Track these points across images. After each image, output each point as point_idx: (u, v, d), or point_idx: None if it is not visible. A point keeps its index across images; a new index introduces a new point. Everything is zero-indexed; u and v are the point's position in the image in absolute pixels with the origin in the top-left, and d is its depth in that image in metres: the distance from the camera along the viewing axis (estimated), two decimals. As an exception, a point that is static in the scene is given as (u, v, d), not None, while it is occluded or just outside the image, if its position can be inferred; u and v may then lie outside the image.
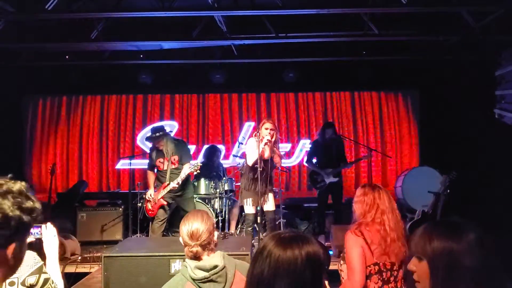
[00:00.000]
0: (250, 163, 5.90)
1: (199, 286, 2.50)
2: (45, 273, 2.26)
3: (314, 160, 7.67)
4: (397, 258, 3.02)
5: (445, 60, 8.62)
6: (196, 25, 7.12)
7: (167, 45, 7.87)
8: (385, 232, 3.01)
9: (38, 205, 1.49)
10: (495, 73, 7.33)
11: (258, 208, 5.95)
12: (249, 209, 6.05)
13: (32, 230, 2.48)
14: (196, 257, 2.59)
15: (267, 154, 5.80)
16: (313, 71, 9.30)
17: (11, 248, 1.45)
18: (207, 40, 7.45)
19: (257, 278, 1.64)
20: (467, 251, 1.56)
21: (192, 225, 2.60)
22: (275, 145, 5.86)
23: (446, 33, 7.45)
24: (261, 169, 5.63)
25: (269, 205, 6.00)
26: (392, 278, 3.02)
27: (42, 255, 2.38)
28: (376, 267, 2.99)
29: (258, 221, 5.97)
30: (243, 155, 9.10)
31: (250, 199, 5.98)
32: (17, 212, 1.42)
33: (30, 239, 2.50)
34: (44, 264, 2.34)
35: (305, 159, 7.93)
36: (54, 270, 2.42)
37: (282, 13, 6.46)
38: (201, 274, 2.50)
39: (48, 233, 2.47)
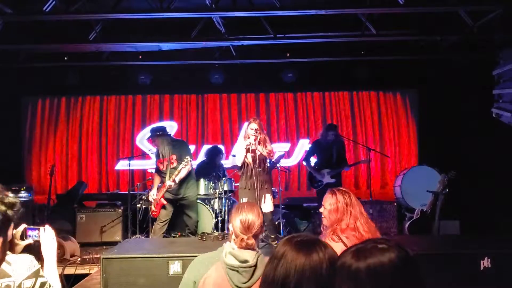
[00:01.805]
0: (238, 163, 6.06)
1: (226, 271, 2.58)
2: (42, 276, 2.25)
3: (314, 160, 7.69)
4: None
5: (443, 59, 8.64)
6: (195, 26, 7.13)
7: (165, 46, 7.89)
8: (361, 235, 3.02)
9: (17, 200, 1.52)
10: (492, 72, 7.34)
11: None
12: None
13: (30, 233, 2.49)
14: (249, 248, 2.63)
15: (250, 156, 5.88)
16: (312, 72, 9.31)
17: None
18: (206, 41, 7.48)
19: (281, 281, 1.66)
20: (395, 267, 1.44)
21: (249, 217, 2.66)
22: (260, 144, 5.86)
23: (444, 32, 7.47)
24: (251, 168, 5.79)
25: (266, 206, 5.99)
26: None
27: (40, 258, 2.38)
28: None
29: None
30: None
31: (245, 198, 6.02)
32: (2, 207, 1.44)
33: (28, 241, 2.51)
34: (42, 267, 2.35)
35: (304, 157, 7.95)
36: (52, 273, 2.41)
37: (280, 14, 6.47)
38: (232, 262, 2.57)
39: (46, 236, 2.46)
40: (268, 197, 6.00)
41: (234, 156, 8.71)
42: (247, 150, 5.83)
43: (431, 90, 9.27)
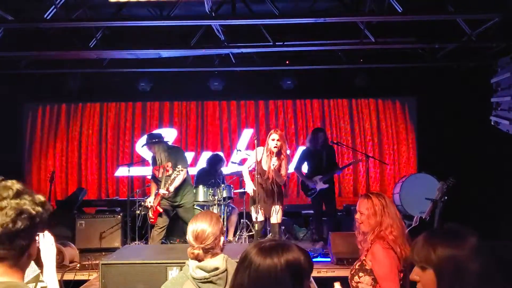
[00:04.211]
0: (244, 168, 6.18)
1: (198, 286, 2.50)
2: (42, 281, 2.28)
3: (306, 166, 7.68)
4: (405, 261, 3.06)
5: (442, 67, 8.68)
6: (195, 33, 7.17)
7: (165, 53, 7.92)
8: (400, 237, 3.04)
9: (43, 197, 1.54)
10: (491, 80, 7.37)
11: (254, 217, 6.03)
12: (257, 217, 6.01)
13: None
14: (198, 259, 2.58)
15: (271, 173, 5.85)
16: (311, 79, 9.34)
17: (35, 243, 1.51)
18: (205, 48, 7.50)
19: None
20: (470, 256, 1.62)
21: (199, 226, 2.58)
22: (280, 157, 5.83)
23: (442, 40, 7.51)
24: (262, 180, 5.83)
25: (275, 217, 5.97)
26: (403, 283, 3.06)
27: (39, 264, 2.40)
28: (402, 274, 3.01)
29: (256, 227, 5.99)
30: (242, 162, 9.17)
31: (257, 207, 5.94)
32: (38, 208, 1.47)
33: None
34: (41, 272, 2.37)
35: (294, 166, 7.91)
36: (51, 279, 2.43)
37: (279, 22, 6.50)
38: (201, 274, 2.50)
39: (46, 242, 2.48)
40: (278, 209, 5.97)
41: (233, 163, 8.77)
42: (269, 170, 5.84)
43: (430, 98, 9.30)
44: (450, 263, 1.63)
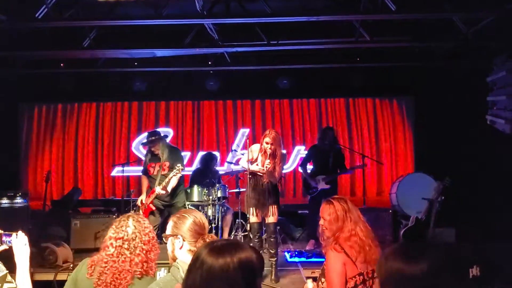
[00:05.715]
0: (241, 163, 6.07)
1: None
2: (10, 282, 2.25)
3: (310, 166, 7.61)
4: (375, 264, 3.02)
5: (439, 66, 8.63)
6: (189, 33, 7.15)
7: (160, 52, 7.90)
8: (362, 241, 3.02)
9: None
10: (487, 79, 7.32)
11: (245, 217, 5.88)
12: (253, 218, 5.84)
13: (4, 239, 2.48)
14: None
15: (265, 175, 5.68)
16: (307, 78, 9.31)
17: None
18: (199, 47, 7.47)
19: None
20: (418, 277, 1.65)
21: (195, 218, 2.57)
22: (275, 159, 5.61)
23: (438, 39, 7.46)
24: (256, 181, 5.71)
25: (272, 217, 5.78)
26: (374, 286, 3.02)
27: (13, 264, 2.37)
28: (361, 277, 2.98)
29: (251, 229, 5.91)
30: (237, 162, 9.13)
31: (252, 208, 5.79)
32: None
33: (3, 247, 2.50)
34: (15, 272, 2.34)
35: (300, 163, 7.83)
36: (24, 279, 2.40)
37: (272, 20, 6.47)
38: None
39: (19, 242, 2.45)
40: (275, 209, 5.77)
41: (229, 163, 8.72)
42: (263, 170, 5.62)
43: (427, 97, 9.26)
44: (394, 276, 1.69)
